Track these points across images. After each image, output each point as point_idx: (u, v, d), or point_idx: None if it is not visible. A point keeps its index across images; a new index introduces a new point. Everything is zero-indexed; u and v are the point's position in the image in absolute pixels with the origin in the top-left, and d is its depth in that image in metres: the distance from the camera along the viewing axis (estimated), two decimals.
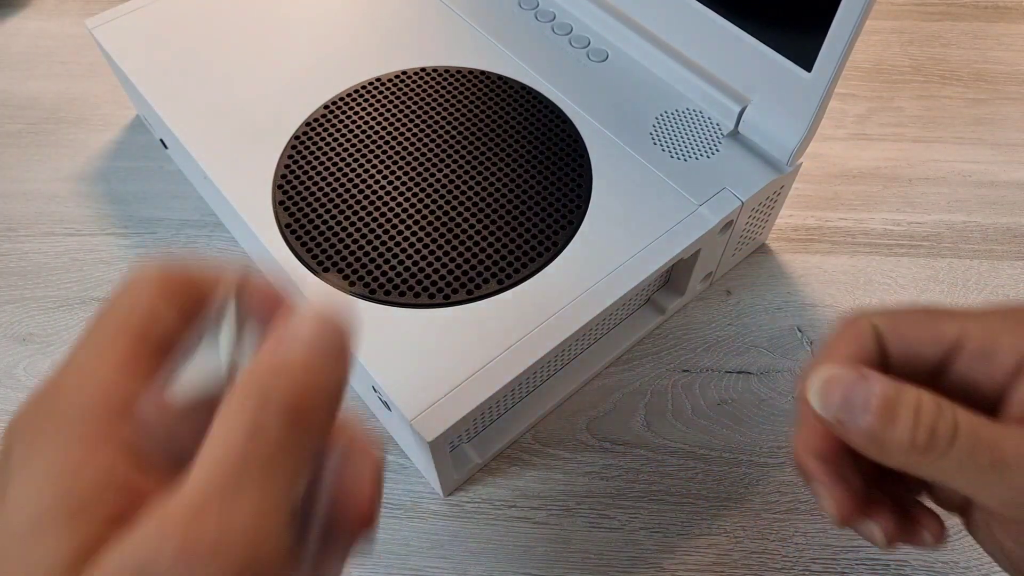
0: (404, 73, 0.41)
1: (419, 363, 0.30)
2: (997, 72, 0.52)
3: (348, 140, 0.38)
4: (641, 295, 0.38)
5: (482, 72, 0.41)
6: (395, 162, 0.37)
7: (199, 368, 0.16)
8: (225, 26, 0.43)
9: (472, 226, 0.35)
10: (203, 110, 0.39)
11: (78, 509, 0.14)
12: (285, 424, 0.14)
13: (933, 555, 0.32)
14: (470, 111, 0.39)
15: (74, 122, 0.49)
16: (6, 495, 0.14)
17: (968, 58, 0.53)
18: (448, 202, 0.35)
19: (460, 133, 0.38)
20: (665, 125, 0.38)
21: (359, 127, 0.38)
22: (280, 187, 0.36)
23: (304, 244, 0.34)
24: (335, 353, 0.16)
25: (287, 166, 0.37)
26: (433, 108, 0.39)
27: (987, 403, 0.21)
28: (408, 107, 0.39)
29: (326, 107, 0.39)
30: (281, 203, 0.36)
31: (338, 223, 0.35)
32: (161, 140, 0.45)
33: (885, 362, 0.22)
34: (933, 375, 0.22)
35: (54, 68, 0.52)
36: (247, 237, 0.39)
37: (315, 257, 0.34)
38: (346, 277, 0.33)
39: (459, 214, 0.35)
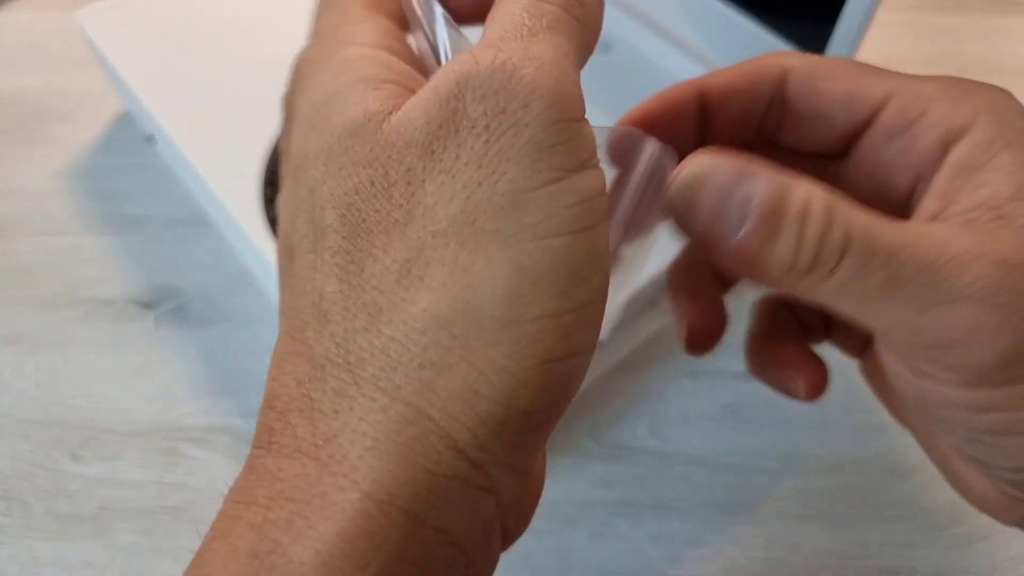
0: None
1: None
2: (1009, 66, 0.51)
3: None
4: (645, 296, 0.37)
5: None
6: None
7: None
8: (215, 18, 0.43)
9: None
10: (192, 104, 0.38)
11: (373, 77, 0.15)
12: None
13: (944, 562, 0.32)
14: None
15: (60, 118, 0.48)
16: (299, 103, 0.16)
17: (980, 52, 0.52)
18: None
19: None
20: None
21: None
22: (270, 183, 0.35)
23: None
24: None
25: (277, 161, 0.36)
26: None
27: (892, 199, 0.18)
28: None
29: None
30: (271, 200, 0.35)
31: None
32: (149, 135, 0.45)
33: (779, 122, 0.18)
34: (832, 152, 0.18)
35: (41, 62, 0.52)
36: (235, 233, 0.38)
37: None
38: None
39: None
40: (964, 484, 0.19)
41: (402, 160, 0.14)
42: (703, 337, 0.20)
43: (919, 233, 0.15)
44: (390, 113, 0.14)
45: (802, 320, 0.21)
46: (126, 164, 0.46)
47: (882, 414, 0.36)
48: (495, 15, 0.15)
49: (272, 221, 0.34)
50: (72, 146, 0.47)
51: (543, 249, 0.13)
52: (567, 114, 0.14)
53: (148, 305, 0.40)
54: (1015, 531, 0.33)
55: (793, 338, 0.21)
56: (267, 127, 0.37)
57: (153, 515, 0.33)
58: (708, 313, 0.20)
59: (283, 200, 0.16)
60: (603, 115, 0.38)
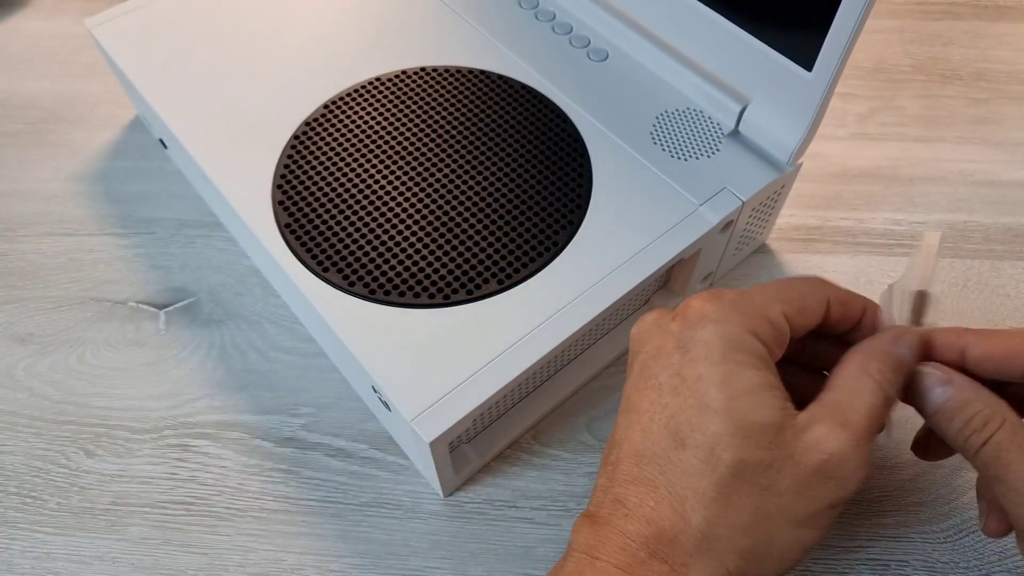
0: (404, 72, 0.41)
1: (419, 363, 0.30)
2: (998, 71, 0.52)
3: (348, 140, 0.38)
4: (641, 295, 0.38)
5: (482, 72, 0.41)
6: (395, 162, 0.37)
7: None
8: (225, 25, 0.43)
9: (472, 226, 0.35)
10: (202, 109, 0.39)
11: (774, 386, 0.25)
12: (884, 400, 0.25)
13: (934, 555, 0.32)
14: (470, 111, 0.39)
15: (73, 122, 0.49)
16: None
17: (969, 57, 0.53)
18: (448, 202, 0.35)
19: (460, 133, 0.38)
20: (665, 125, 0.38)
21: (359, 127, 0.38)
22: (280, 187, 0.36)
23: (304, 244, 0.34)
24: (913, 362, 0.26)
25: (286, 166, 0.37)
26: (433, 108, 0.39)
27: None
28: (408, 107, 0.39)
29: (326, 107, 0.39)
30: (280, 203, 0.35)
31: (338, 223, 0.35)
32: (160, 140, 0.45)
33: None
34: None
35: (53, 68, 0.52)
36: (246, 237, 0.39)
37: (315, 257, 0.34)
38: (346, 277, 0.33)
39: (459, 214, 0.35)
40: None
41: (782, 467, 0.23)
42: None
43: None
44: (786, 427, 0.24)
45: None
46: (138, 167, 0.46)
47: None
48: (844, 388, 0.25)
49: (282, 224, 0.35)
50: (85, 150, 0.48)
51: (814, 534, 0.24)
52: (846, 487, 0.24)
53: (159, 305, 0.41)
54: None
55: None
56: (278, 131, 0.38)
57: (165, 509, 0.34)
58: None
59: (680, 403, 0.24)
60: (600, 118, 0.39)
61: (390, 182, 0.36)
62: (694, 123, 0.38)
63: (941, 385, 0.26)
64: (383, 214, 0.35)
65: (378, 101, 0.39)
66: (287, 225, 0.35)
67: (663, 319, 0.26)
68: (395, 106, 0.39)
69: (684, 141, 0.38)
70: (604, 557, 0.24)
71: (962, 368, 0.27)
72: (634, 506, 0.24)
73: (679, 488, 0.24)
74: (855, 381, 0.25)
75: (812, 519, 0.24)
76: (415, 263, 0.33)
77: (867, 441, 0.24)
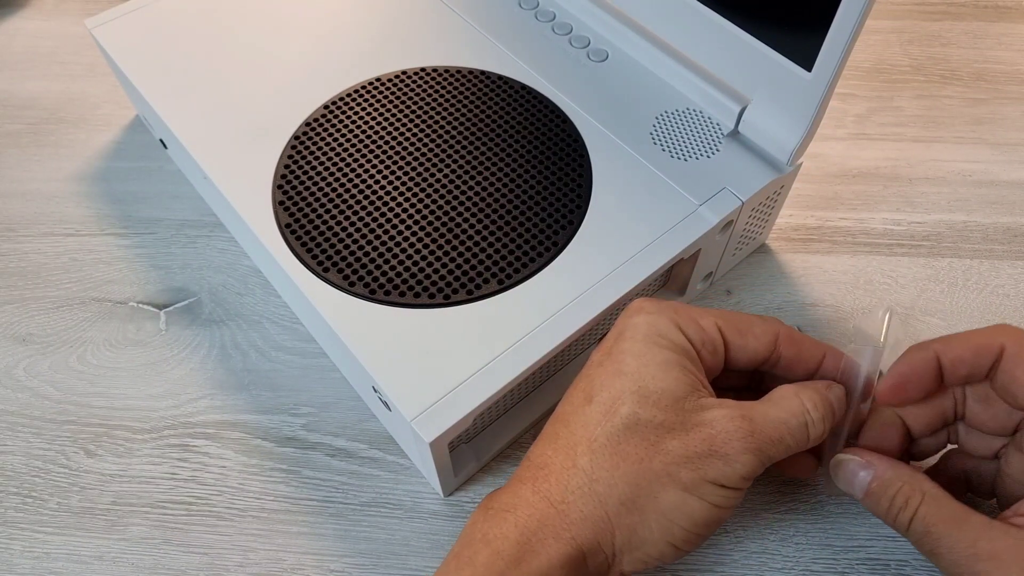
0: (404, 73, 0.41)
1: (419, 363, 0.30)
2: (997, 72, 0.52)
3: (348, 140, 0.38)
4: (641, 295, 0.38)
5: (482, 72, 0.41)
6: (395, 162, 0.37)
7: None
8: (225, 26, 0.43)
9: (472, 226, 0.35)
10: (203, 110, 0.39)
11: (690, 360, 0.28)
12: (798, 425, 0.27)
13: None
14: (470, 111, 0.39)
15: (74, 122, 0.49)
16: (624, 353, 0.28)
17: (968, 58, 0.53)
18: (448, 202, 0.35)
19: (460, 133, 0.38)
20: (665, 125, 0.38)
21: (359, 127, 0.38)
22: (280, 187, 0.36)
23: (304, 244, 0.34)
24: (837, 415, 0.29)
25: (287, 166, 0.37)
26: (433, 108, 0.39)
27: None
28: (408, 107, 0.39)
29: (326, 107, 0.39)
30: (281, 203, 0.35)
31: (338, 223, 0.35)
32: (161, 140, 0.45)
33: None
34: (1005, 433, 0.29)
35: (54, 68, 0.52)
36: (247, 237, 0.39)
37: (315, 257, 0.34)
38: (346, 277, 0.33)
39: (459, 214, 0.35)
40: None
41: (672, 428, 0.26)
42: None
43: (972, 532, 0.25)
44: (688, 399, 0.26)
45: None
46: (138, 167, 0.47)
47: None
48: (781, 404, 0.27)
49: (283, 224, 0.35)
50: (86, 150, 0.48)
51: (700, 505, 0.26)
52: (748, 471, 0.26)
53: (160, 305, 0.41)
54: None
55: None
56: (278, 132, 0.38)
57: (165, 509, 0.34)
58: None
59: (600, 371, 0.28)
60: (600, 118, 0.39)
61: (390, 182, 0.36)
62: (694, 123, 0.38)
63: (863, 469, 0.28)
64: (383, 214, 0.35)
65: (378, 101, 0.39)
66: (287, 225, 0.35)
67: None
68: (395, 106, 0.39)
69: (684, 141, 0.38)
70: (495, 505, 0.27)
71: (937, 372, 0.28)
72: (535, 456, 0.27)
73: (576, 437, 0.27)
74: (783, 397, 0.27)
75: (697, 488, 0.26)
76: (415, 263, 0.33)
77: (763, 442, 0.26)
